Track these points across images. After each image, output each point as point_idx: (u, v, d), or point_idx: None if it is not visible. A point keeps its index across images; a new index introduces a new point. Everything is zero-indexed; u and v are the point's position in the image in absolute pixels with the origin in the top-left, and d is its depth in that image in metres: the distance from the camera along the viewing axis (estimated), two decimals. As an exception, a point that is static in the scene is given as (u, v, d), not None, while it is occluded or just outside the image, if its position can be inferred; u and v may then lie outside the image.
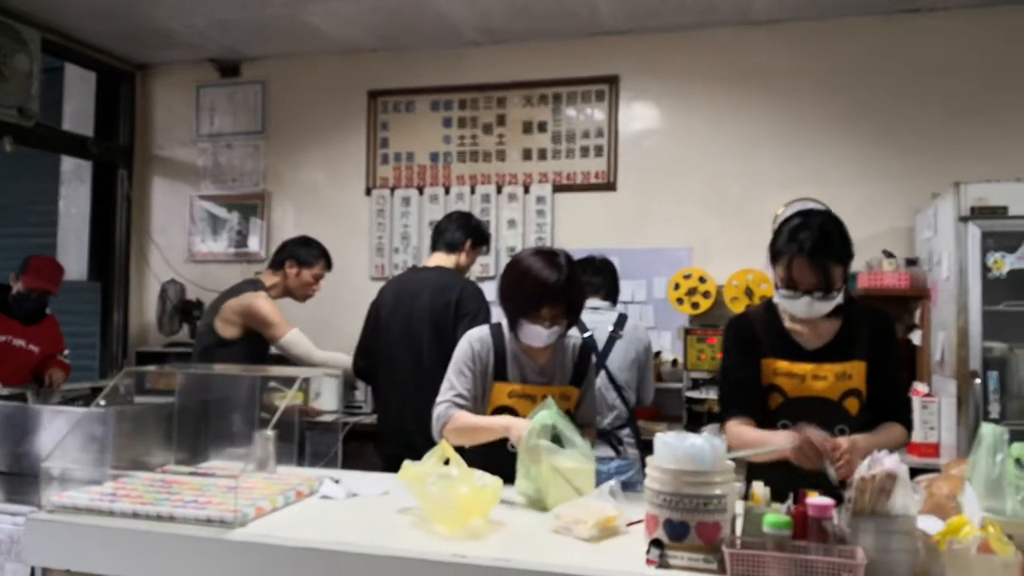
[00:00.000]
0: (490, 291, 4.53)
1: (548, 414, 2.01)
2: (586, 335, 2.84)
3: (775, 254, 2.08)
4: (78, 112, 5.20)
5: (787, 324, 2.15)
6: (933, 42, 4.01)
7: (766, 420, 2.10)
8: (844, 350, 2.10)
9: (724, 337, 2.28)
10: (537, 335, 2.20)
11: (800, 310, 2.06)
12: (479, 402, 2.27)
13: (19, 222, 5.37)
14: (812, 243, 1.99)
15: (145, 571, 1.76)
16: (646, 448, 2.55)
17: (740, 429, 2.09)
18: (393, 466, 2.56)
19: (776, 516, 1.50)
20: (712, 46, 4.29)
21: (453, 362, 2.30)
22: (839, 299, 2.04)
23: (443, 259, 3.19)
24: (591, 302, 3.03)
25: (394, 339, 3.10)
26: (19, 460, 2.36)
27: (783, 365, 2.11)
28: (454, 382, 2.26)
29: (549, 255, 2.22)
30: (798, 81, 4.18)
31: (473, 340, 2.29)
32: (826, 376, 2.08)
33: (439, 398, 2.27)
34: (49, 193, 5.26)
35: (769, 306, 2.21)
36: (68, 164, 5.23)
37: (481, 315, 3.08)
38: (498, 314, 2.40)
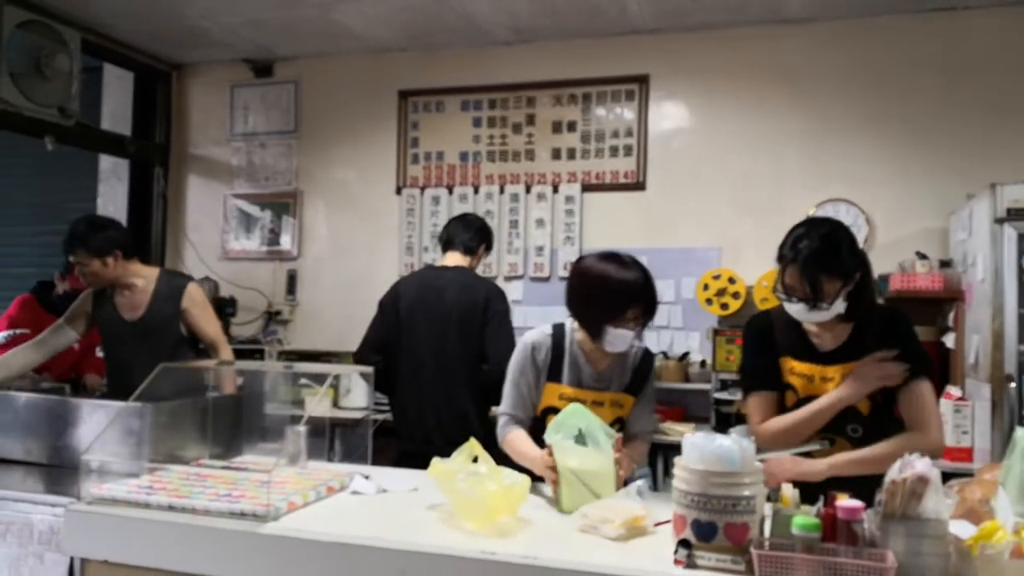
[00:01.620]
0: (517, 290, 4.61)
1: (573, 410, 2.02)
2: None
3: (778, 257, 2.11)
4: (116, 111, 5.30)
5: (805, 326, 2.16)
6: (968, 40, 3.95)
7: None
8: (854, 351, 2.10)
9: (744, 332, 2.31)
10: (623, 339, 2.16)
11: (796, 315, 2.08)
12: (536, 408, 2.29)
13: (59, 219, 5.46)
14: (807, 254, 2.00)
15: (180, 563, 1.80)
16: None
17: (769, 423, 2.13)
18: (408, 462, 2.60)
19: (805, 518, 1.50)
20: (743, 45, 4.27)
21: (511, 367, 2.31)
22: (837, 309, 2.03)
23: (460, 260, 3.25)
24: None
25: (418, 336, 3.11)
26: (59, 453, 2.42)
27: (796, 365, 2.14)
28: (510, 393, 2.28)
29: (616, 258, 2.20)
30: (830, 80, 4.14)
31: (533, 343, 2.28)
32: (834, 377, 2.09)
33: (500, 407, 2.32)
34: (88, 191, 5.37)
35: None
36: (106, 162, 5.34)
37: (507, 314, 3.12)
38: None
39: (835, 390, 2.06)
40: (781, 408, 2.16)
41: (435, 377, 3.07)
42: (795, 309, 2.06)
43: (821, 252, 2.01)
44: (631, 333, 2.16)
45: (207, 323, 3.09)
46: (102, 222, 3.11)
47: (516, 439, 2.22)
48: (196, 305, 3.07)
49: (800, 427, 2.09)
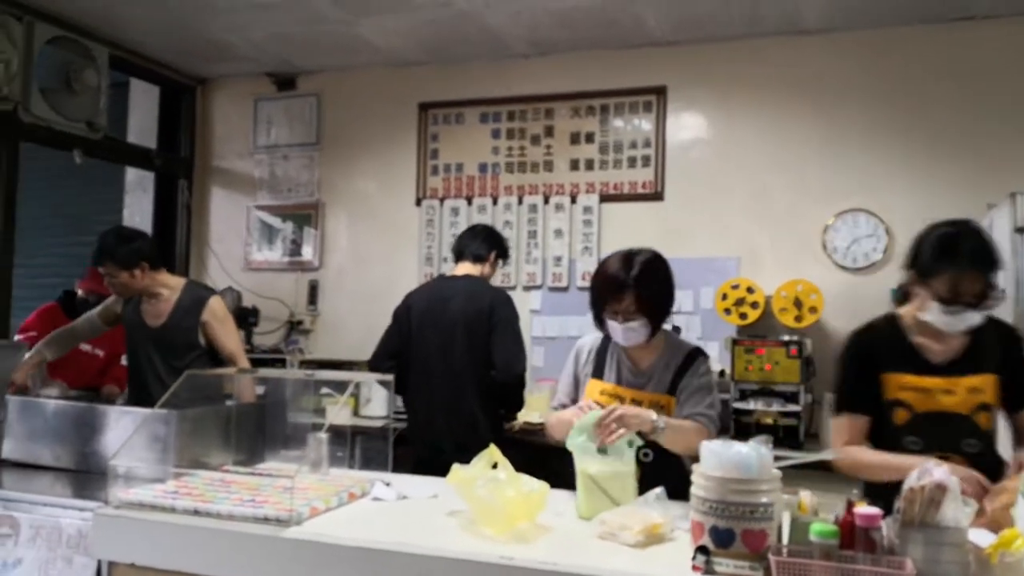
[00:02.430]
0: (536, 299, 4.64)
1: (593, 415, 2.04)
2: None
3: (929, 269, 1.99)
4: (142, 125, 5.40)
5: (914, 338, 2.10)
6: (987, 50, 3.92)
7: (892, 436, 2.08)
8: (974, 363, 2.05)
9: (843, 351, 2.23)
10: (615, 331, 2.24)
11: (945, 324, 1.99)
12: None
13: (86, 231, 5.58)
14: (979, 254, 1.94)
15: (205, 566, 1.83)
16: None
17: (857, 450, 2.10)
18: (421, 469, 2.63)
19: (823, 525, 1.50)
20: (760, 56, 4.28)
21: (566, 364, 2.46)
22: (982, 313, 1.98)
23: (470, 268, 3.34)
24: None
25: (427, 344, 3.19)
26: (87, 459, 2.47)
27: (910, 379, 2.06)
28: (559, 388, 2.45)
29: (628, 253, 2.26)
30: (848, 91, 4.13)
31: (580, 344, 2.45)
32: (956, 390, 2.03)
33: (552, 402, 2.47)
34: (114, 203, 5.46)
35: (892, 319, 2.16)
36: (132, 175, 5.44)
37: (514, 320, 3.20)
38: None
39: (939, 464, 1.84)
40: (887, 427, 2.09)
41: (444, 384, 3.15)
42: (947, 319, 1.97)
43: (987, 250, 1.95)
44: (620, 326, 2.21)
45: (226, 337, 3.14)
46: (129, 234, 3.19)
47: (559, 414, 2.33)
48: (216, 319, 3.12)
49: (880, 472, 2.01)
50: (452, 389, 3.15)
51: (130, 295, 3.14)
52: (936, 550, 1.49)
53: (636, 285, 2.18)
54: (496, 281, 4.55)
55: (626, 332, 2.22)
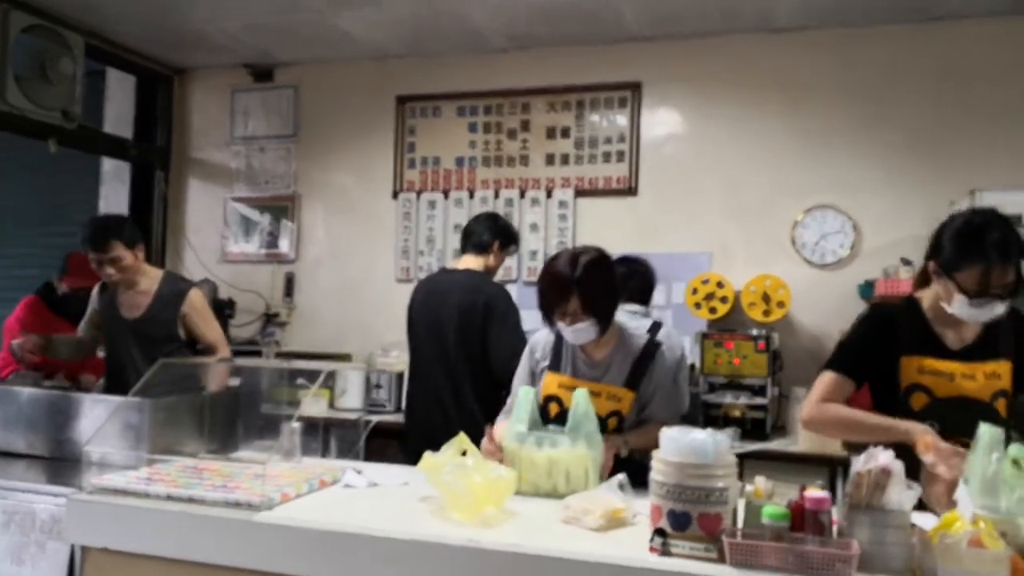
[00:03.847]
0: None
1: (525, 392, 2.17)
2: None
3: (955, 263, 1.96)
4: (119, 115, 5.37)
5: (933, 325, 2.09)
6: (955, 50, 4.01)
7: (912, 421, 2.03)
8: (990, 349, 2.06)
9: (859, 321, 2.21)
10: (564, 331, 2.29)
11: (969, 316, 1.98)
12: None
13: (62, 221, 5.56)
14: (1003, 246, 1.90)
15: (178, 550, 1.87)
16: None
17: (835, 407, 2.08)
18: (417, 463, 2.67)
19: (774, 508, 1.57)
20: (734, 53, 4.34)
21: (521, 362, 2.51)
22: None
23: (472, 261, 3.29)
24: (628, 307, 3.08)
25: (422, 338, 3.20)
26: (60, 446, 2.49)
27: (930, 363, 2.05)
28: (514, 385, 2.49)
29: (573, 254, 2.29)
30: (820, 88, 4.21)
31: (532, 341, 2.49)
32: (976, 375, 2.03)
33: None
34: (90, 193, 5.43)
35: (911, 303, 2.15)
36: (108, 165, 5.41)
37: (511, 315, 3.18)
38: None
39: (912, 426, 1.95)
40: (903, 411, 2.06)
41: (441, 378, 3.15)
42: (973, 312, 1.95)
43: (1014, 240, 1.92)
44: (569, 327, 2.25)
45: (207, 328, 3.16)
46: (122, 217, 3.21)
47: (497, 427, 2.36)
48: (196, 311, 3.13)
49: (857, 429, 2.04)
50: (449, 384, 3.14)
51: (127, 280, 3.12)
52: (881, 532, 1.56)
53: (580, 288, 2.21)
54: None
55: (575, 333, 2.27)
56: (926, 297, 2.14)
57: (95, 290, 3.29)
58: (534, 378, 2.45)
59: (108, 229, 3.05)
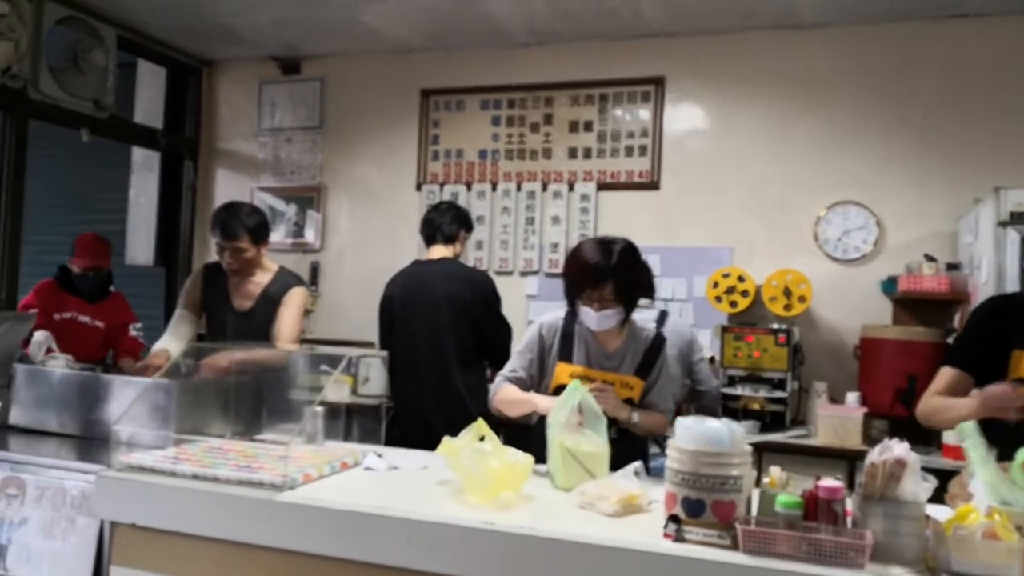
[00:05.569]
0: (532, 285, 4.71)
1: (575, 390, 2.11)
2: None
3: None
4: (149, 106, 5.46)
5: None
6: (978, 47, 3.98)
7: None
8: None
9: (977, 308, 2.21)
10: (588, 317, 2.31)
11: None
12: (535, 381, 2.44)
13: (92, 209, 5.67)
14: None
15: (202, 527, 1.91)
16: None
17: (930, 396, 2.11)
18: (410, 447, 2.71)
19: (788, 497, 1.58)
20: (755, 49, 4.33)
21: (521, 342, 2.50)
22: None
23: (444, 251, 3.40)
24: None
25: (411, 326, 3.27)
26: (91, 426, 2.54)
27: None
28: (514, 360, 2.48)
29: (605, 242, 2.32)
30: (841, 85, 4.18)
31: (543, 324, 2.46)
32: None
33: (499, 374, 2.48)
34: (120, 182, 5.53)
35: None
36: (138, 155, 5.50)
37: (497, 301, 3.31)
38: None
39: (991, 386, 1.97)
40: None
41: (430, 365, 3.24)
42: None
43: None
44: (595, 314, 2.28)
45: (285, 320, 3.11)
46: (253, 208, 3.25)
47: (510, 389, 2.39)
48: (287, 305, 3.13)
49: (942, 416, 2.05)
50: (438, 370, 3.23)
51: (247, 271, 3.14)
52: (895, 523, 1.56)
53: (616, 274, 2.24)
54: (494, 266, 4.65)
55: (601, 319, 2.29)
56: None
57: (198, 272, 3.33)
58: (543, 363, 2.45)
59: (239, 220, 3.07)
